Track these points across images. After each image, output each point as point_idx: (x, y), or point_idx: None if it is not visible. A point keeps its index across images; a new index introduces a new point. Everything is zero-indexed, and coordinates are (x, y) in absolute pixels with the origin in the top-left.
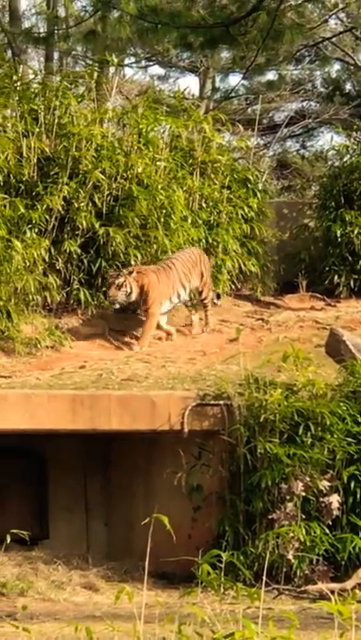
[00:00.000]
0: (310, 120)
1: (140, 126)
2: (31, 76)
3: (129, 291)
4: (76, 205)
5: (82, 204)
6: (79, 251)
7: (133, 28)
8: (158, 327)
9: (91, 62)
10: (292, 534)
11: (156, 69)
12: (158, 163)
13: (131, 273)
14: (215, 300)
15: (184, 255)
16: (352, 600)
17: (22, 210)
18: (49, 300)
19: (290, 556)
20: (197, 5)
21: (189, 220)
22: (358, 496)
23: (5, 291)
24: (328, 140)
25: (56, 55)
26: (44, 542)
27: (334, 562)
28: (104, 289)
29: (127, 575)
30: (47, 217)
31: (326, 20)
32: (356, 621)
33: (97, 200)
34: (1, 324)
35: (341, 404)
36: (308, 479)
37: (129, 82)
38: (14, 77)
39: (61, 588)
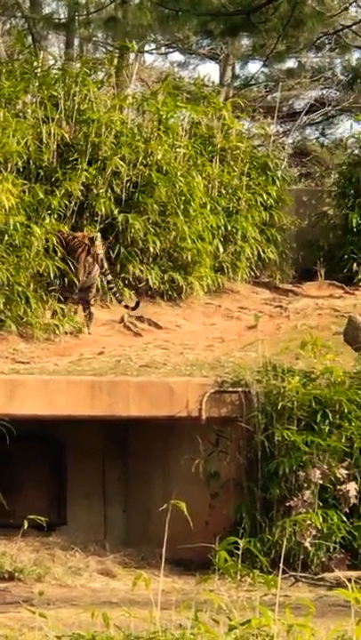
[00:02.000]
0: (330, 108)
1: (160, 113)
2: (51, 62)
3: None
4: (95, 192)
5: (101, 191)
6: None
7: (154, 15)
8: None
9: (111, 49)
10: (309, 522)
11: (176, 56)
12: (178, 149)
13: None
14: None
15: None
16: None
17: (42, 195)
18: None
19: (307, 544)
20: None
21: (208, 207)
22: None
23: (24, 276)
24: (348, 127)
25: (76, 41)
26: (61, 528)
27: (351, 549)
28: (123, 275)
29: (144, 562)
30: (66, 203)
31: (347, 8)
32: None
33: (116, 186)
34: (20, 309)
35: (360, 391)
36: (325, 467)
37: (149, 68)
38: (34, 64)
39: (78, 574)
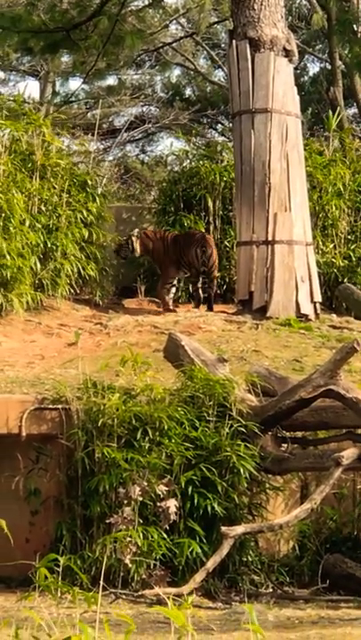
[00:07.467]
0: (150, 125)
1: None
2: None
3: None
4: None
5: None
6: None
7: None
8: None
9: None
10: (129, 538)
11: None
12: None
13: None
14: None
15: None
16: (188, 605)
17: None
18: None
19: (127, 561)
20: (38, 10)
21: (28, 224)
22: (195, 501)
23: None
24: (168, 144)
25: None
26: None
27: (172, 566)
28: None
29: None
30: None
31: (167, 26)
32: (193, 626)
33: None
34: None
35: (179, 408)
36: (145, 484)
37: None
38: None
39: None
